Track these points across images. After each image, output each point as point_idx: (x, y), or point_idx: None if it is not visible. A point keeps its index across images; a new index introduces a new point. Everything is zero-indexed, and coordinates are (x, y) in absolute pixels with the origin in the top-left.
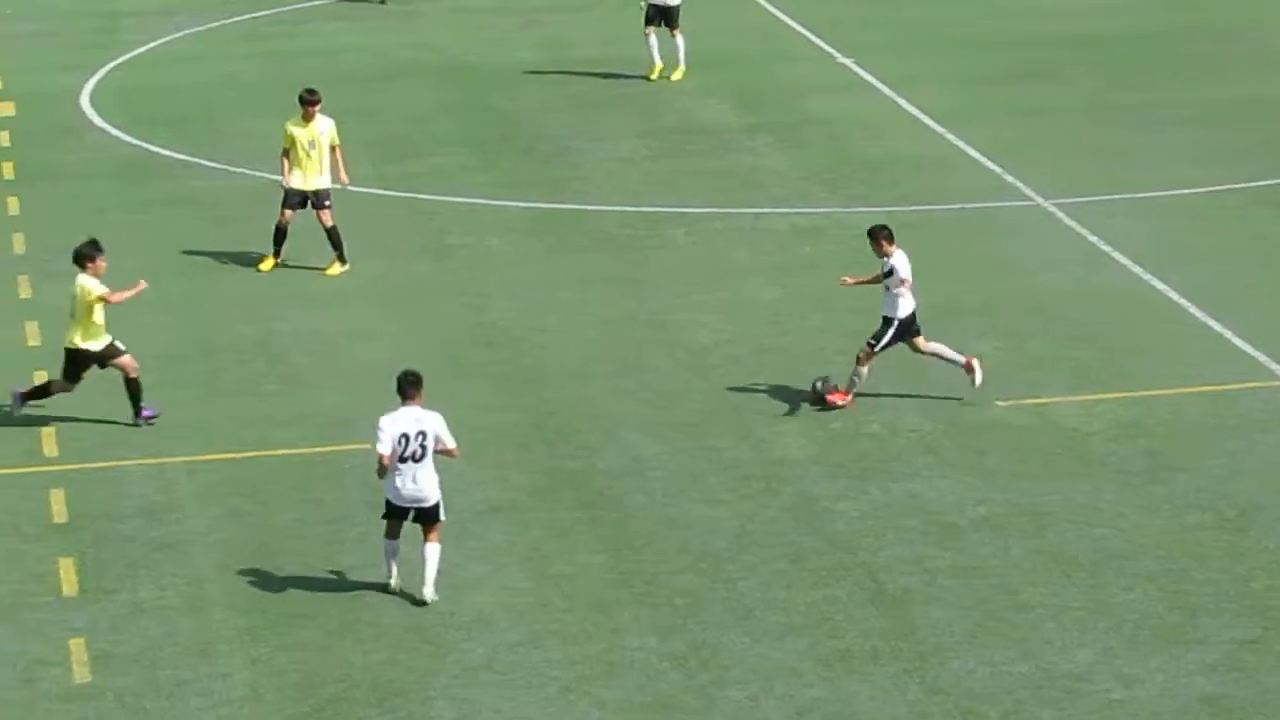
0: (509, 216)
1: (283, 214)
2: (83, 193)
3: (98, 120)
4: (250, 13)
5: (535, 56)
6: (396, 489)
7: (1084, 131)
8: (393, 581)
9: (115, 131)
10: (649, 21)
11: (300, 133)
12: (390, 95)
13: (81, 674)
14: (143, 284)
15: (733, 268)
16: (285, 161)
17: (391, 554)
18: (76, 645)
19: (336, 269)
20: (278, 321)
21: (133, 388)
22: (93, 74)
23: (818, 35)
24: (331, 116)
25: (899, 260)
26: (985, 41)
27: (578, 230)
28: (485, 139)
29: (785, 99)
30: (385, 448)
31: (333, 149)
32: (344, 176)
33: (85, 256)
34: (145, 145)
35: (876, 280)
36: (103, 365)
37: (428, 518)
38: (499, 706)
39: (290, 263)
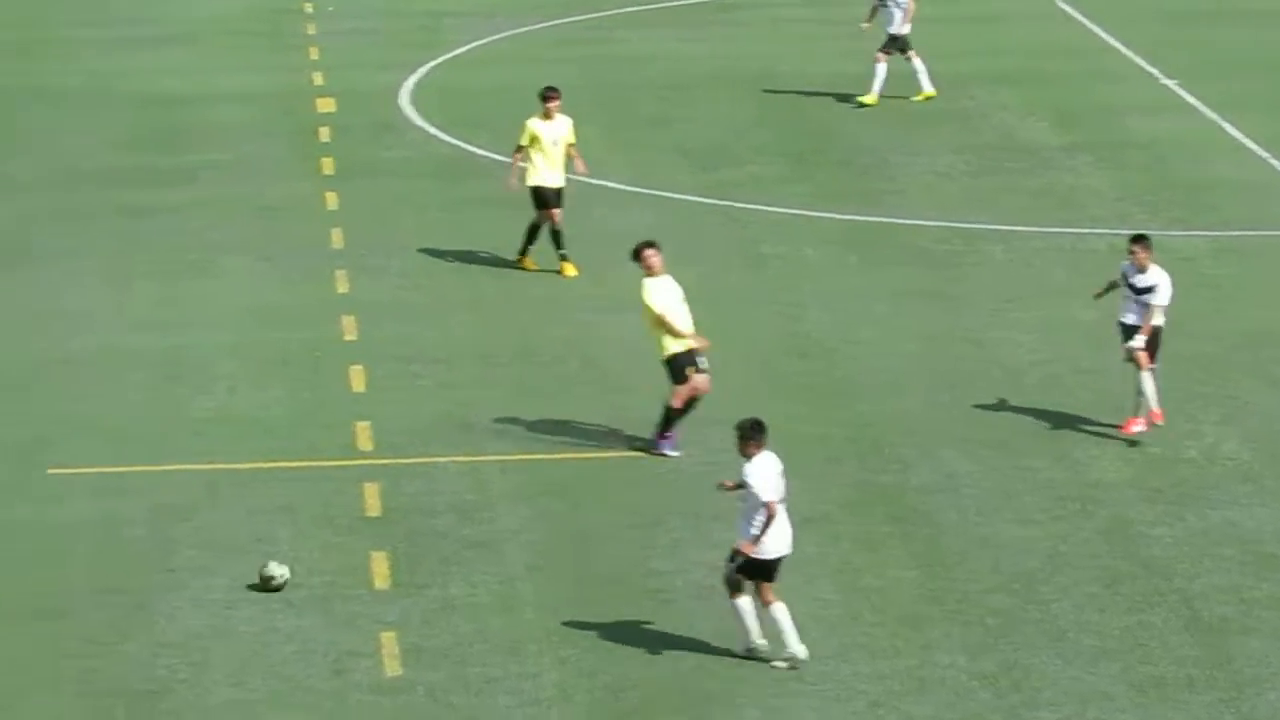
0: (824, 228)
1: (550, 215)
2: (400, 190)
3: (416, 119)
4: (566, 17)
5: (854, 68)
6: (775, 541)
7: None
8: (762, 642)
9: (433, 130)
10: (886, 50)
11: (545, 130)
12: (707, 103)
13: (392, 667)
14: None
15: (1051, 287)
16: (518, 156)
17: (753, 613)
18: (388, 638)
19: (574, 269)
20: (591, 325)
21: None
22: (412, 72)
23: (1140, 55)
24: (649, 122)
25: (1163, 279)
26: None
27: (893, 244)
28: (801, 149)
29: (1105, 119)
30: (774, 494)
31: (568, 147)
32: (581, 166)
33: (639, 250)
34: (463, 145)
35: (1113, 288)
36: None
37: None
38: (807, 718)
39: (590, 264)
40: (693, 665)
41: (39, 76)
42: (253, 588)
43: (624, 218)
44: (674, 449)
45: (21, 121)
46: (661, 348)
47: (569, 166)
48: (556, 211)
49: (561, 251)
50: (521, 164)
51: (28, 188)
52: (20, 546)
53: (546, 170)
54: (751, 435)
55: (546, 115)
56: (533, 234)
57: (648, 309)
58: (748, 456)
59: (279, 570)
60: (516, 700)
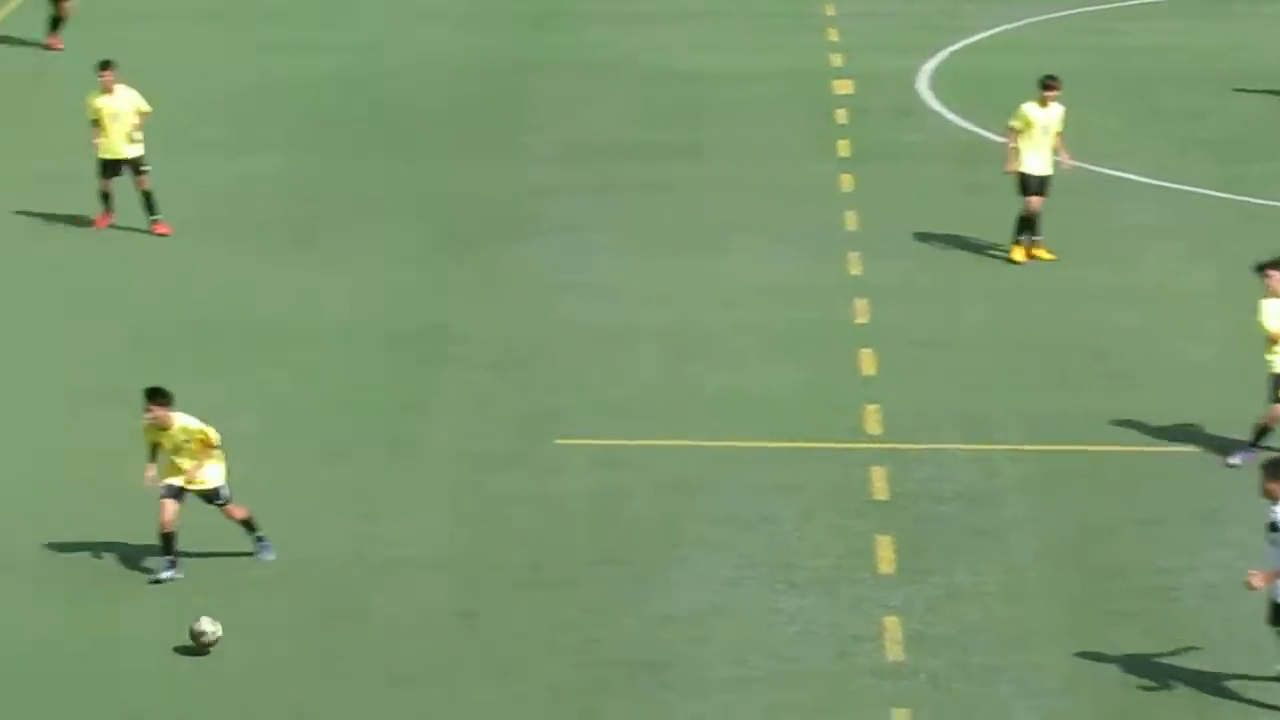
0: None
1: (1029, 202)
2: (916, 174)
3: (934, 103)
4: (1089, 6)
5: None
6: None
7: None
8: None
9: (951, 115)
10: None
11: (1038, 116)
12: (1227, 96)
13: (895, 652)
14: None
15: None
16: (1010, 138)
17: None
18: (891, 623)
19: (1021, 255)
20: (1105, 317)
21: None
22: (931, 56)
23: None
24: (1168, 114)
25: None
26: None
27: None
28: None
29: None
30: None
31: (1056, 135)
32: (1066, 156)
33: (1265, 266)
34: (980, 131)
35: None
36: None
37: None
38: None
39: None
40: (1200, 665)
41: (554, 50)
42: (181, 649)
43: (1142, 211)
44: (1240, 460)
45: (537, 94)
46: (1270, 365)
47: (1055, 154)
48: (1036, 199)
49: (1021, 237)
50: (1014, 146)
51: (542, 160)
52: (526, 516)
53: (1031, 155)
54: (1276, 474)
55: (1043, 103)
56: (1027, 223)
57: (1261, 325)
58: (1273, 497)
59: (210, 626)
60: (1019, 690)
